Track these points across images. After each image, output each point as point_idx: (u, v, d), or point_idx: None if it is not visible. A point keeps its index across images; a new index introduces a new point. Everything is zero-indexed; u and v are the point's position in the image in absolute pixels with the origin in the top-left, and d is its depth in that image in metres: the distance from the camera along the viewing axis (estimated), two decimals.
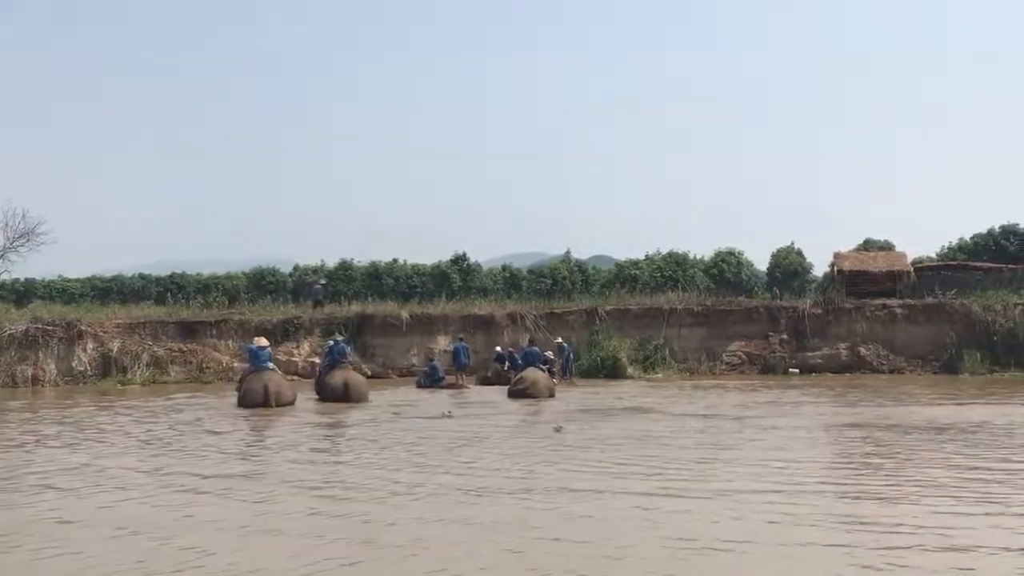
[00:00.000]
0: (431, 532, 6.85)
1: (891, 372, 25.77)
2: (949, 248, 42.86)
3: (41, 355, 24.60)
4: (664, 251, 47.62)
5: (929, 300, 27.53)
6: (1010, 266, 32.98)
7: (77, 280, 49.76)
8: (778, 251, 47.23)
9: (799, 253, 47.24)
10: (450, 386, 22.77)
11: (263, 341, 19.21)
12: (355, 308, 29.24)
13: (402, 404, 17.89)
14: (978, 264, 34.20)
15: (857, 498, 8.07)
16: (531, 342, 23.32)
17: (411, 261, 49.07)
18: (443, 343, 26.89)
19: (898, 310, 27.05)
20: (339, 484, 8.97)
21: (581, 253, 58.65)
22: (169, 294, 43.49)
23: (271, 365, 18.56)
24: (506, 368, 23.37)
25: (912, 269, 31.27)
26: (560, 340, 25.28)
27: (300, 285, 42.21)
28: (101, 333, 25.48)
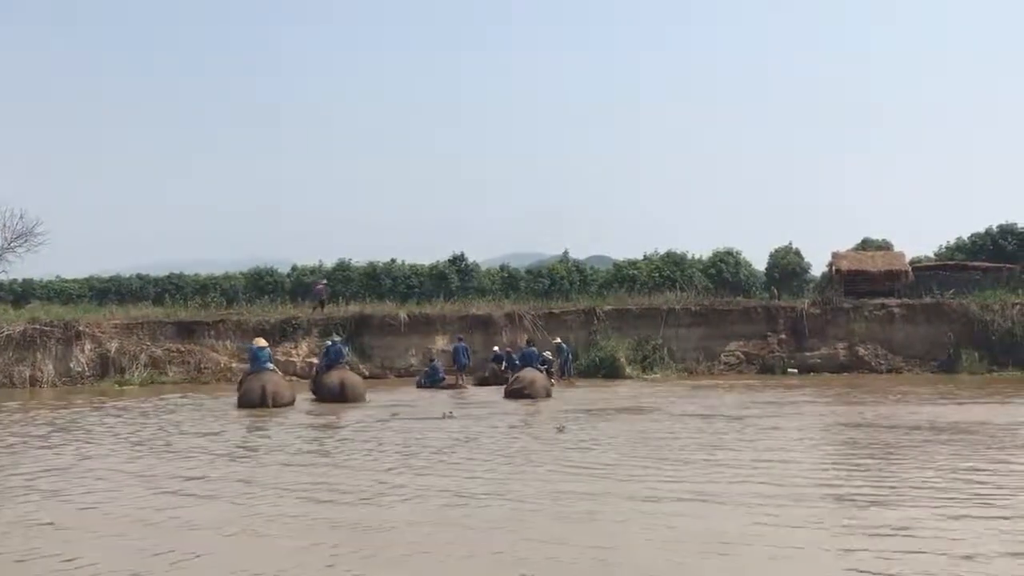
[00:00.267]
0: (431, 536, 6.83)
1: (889, 372, 25.78)
2: (947, 248, 42.90)
3: (39, 356, 24.57)
4: (662, 251, 47.65)
5: (927, 300, 27.56)
6: (1008, 266, 33.03)
7: (75, 281, 49.74)
8: (776, 251, 47.25)
9: (797, 253, 47.26)
10: (450, 386, 22.77)
11: (262, 342, 19.24)
12: (353, 308, 29.23)
13: (401, 404, 17.86)
14: (976, 264, 34.24)
15: (860, 500, 7.98)
16: (529, 342, 23.31)
17: (409, 261, 49.11)
18: (441, 343, 26.89)
19: (896, 310, 27.06)
20: (329, 486, 8.87)
21: (579, 253, 58.71)
22: (167, 294, 43.48)
23: (271, 366, 18.61)
24: (503, 368, 23.37)
25: (910, 269, 31.30)
26: (559, 340, 25.28)
27: (303, 287, 42.24)
28: (99, 334, 25.46)
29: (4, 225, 32.42)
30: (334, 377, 18.70)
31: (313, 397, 18.91)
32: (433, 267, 47.66)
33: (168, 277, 50.21)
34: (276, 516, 7.46)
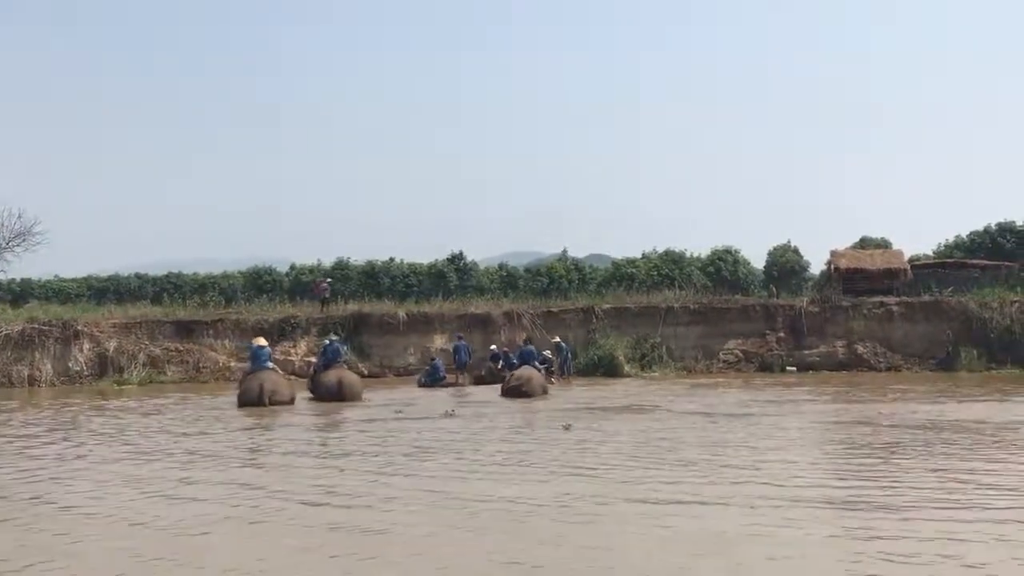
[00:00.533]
0: (431, 538, 6.82)
1: (888, 370, 25.77)
2: (946, 246, 42.92)
3: (37, 355, 24.54)
4: (661, 249, 47.68)
5: (926, 298, 27.56)
6: (1007, 264, 33.06)
7: (73, 280, 49.73)
8: (775, 249, 47.29)
9: (796, 251, 47.31)
10: (450, 385, 22.77)
11: (262, 341, 19.28)
12: (352, 307, 29.22)
13: (402, 403, 17.85)
14: (975, 262, 34.26)
15: (860, 501, 7.95)
16: (527, 340, 23.30)
17: (408, 260, 49.11)
18: (440, 342, 26.88)
19: (895, 308, 27.06)
20: (328, 487, 8.84)
21: (578, 252, 58.74)
22: (166, 294, 43.47)
23: (271, 365, 18.67)
24: (499, 367, 23.37)
25: (909, 267, 31.31)
26: (558, 339, 25.27)
27: (301, 286, 42.27)
28: (97, 333, 25.43)
29: (2, 224, 32.42)
30: (332, 376, 18.73)
31: (311, 396, 18.91)
32: (432, 266, 47.67)
33: (167, 276, 50.21)
34: (275, 519, 7.39)
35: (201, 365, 25.58)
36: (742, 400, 17.78)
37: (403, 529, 6.99)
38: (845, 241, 41.78)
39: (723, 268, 45.41)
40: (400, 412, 16.03)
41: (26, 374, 24.19)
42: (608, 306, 28.25)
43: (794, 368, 26.22)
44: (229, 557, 6.30)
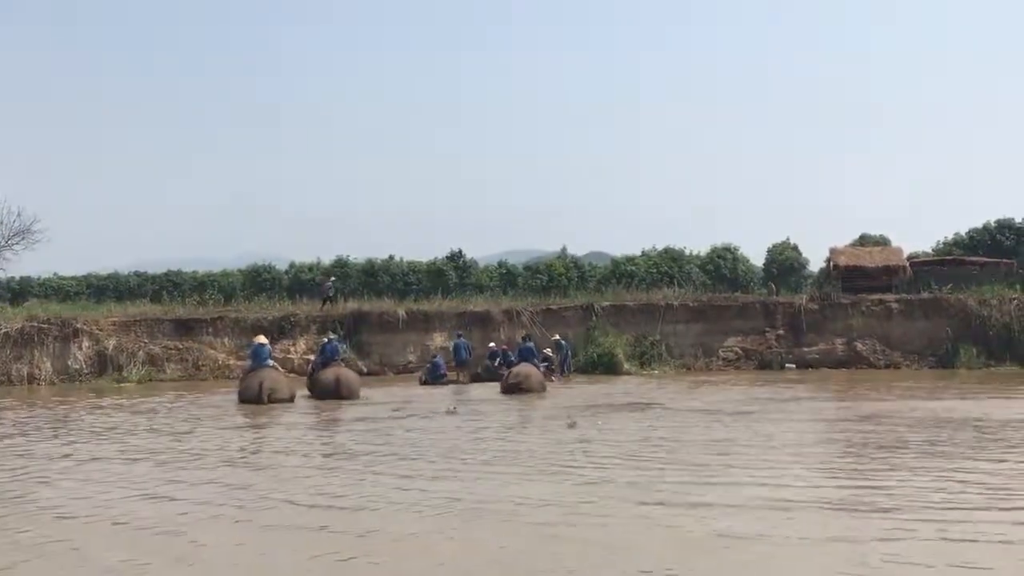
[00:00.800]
0: (430, 539, 6.82)
1: (887, 367, 25.79)
2: (945, 243, 43.00)
3: (37, 353, 24.52)
4: (660, 247, 47.70)
5: (925, 295, 27.56)
6: (1006, 261, 33.10)
7: (73, 278, 49.76)
8: (774, 246, 47.34)
9: (795, 249, 47.35)
10: (450, 382, 22.77)
11: (263, 339, 19.32)
12: (351, 305, 29.21)
13: (402, 401, 17.85)
14: (974, 259, 34.31)
15: (862, 501, 7.92)
16: (527, 338, 23.31)
17: (407, 258, 49.13)
18: (439, 340, 26.86)
19: (894, 305, 27.06)
20: (325, 488, 8.77)
21: (577, 250, 58.75)
22: (165, 292, 43.51)
23: (271, 362, 18.72)
24: (497, 364, 23.37)
25: (908, 264, 31.32)
26: (558, 337, 25.27)
27: (299, 284, 42.30)
28: (97, 331, 25.42)
29: (2, 222, 32.42)
30: (329, 374, 18.75)
31: (309, 394, 18.92)
32: (431, 264, 47.68)
33: (166, 274, 50.23)
34: (273, 522, 7.29)
35: (200, 363, 25.57)
36: (743, 397, 17.79)
37: (405, 531, 6.91)
38: (844, 239, 41.84)
39: (722, 266, 45.45)
40: (399, 410, 16.02)
41: (25, 372, 24.17)
42: (607, 304, 28.24)
43: (793, 365, 26.23)
44: (217, 558, 6.25)
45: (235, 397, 17.86)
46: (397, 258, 48.89)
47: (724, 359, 26.87)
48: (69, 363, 24.75)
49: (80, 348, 25.00)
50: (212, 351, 25.93)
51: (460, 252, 48.18)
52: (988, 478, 8.80)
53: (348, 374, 19.28)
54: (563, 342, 25.05)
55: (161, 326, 26.23)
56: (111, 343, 25.15)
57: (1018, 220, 41.96)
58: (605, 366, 25.46)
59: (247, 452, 11.51)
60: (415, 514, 7.41)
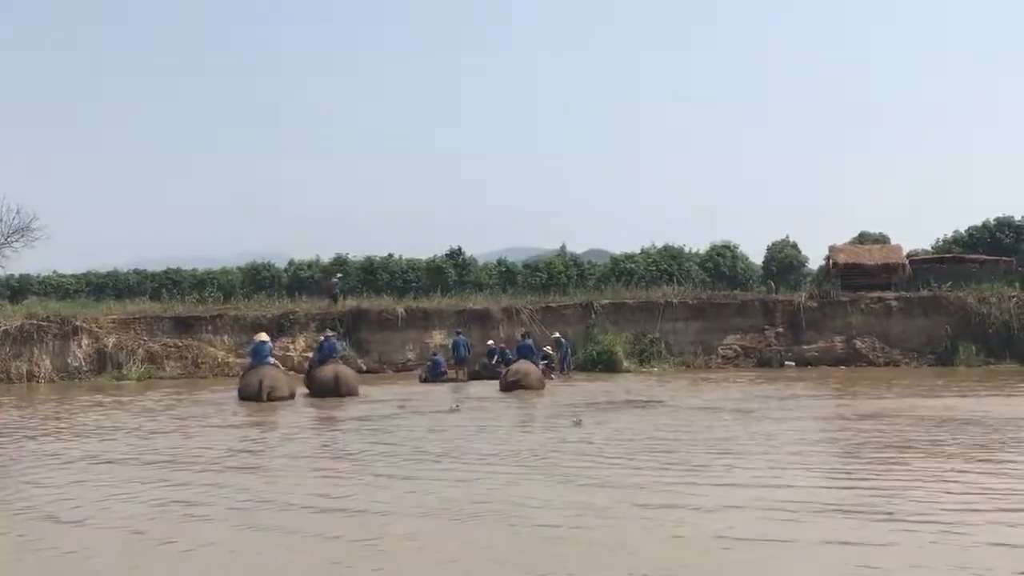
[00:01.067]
0: (431, 541, 6.80)
1: (886, 365, 25.79)
2: (944, 241, 43.01)
3: (36, 351, 24.50)
4: (660, 245, 47.70)
5: (924, 293, 27.57)
6: (1005, 259, 33.11)
7: (72, 276, 49.74)
8: (773, 244, 47.35)
9: (794, 246, 47.36)
10: (450, 380, 22.77)
11: (264, 336, 19.35)
12: (351, 303, 29.21)
13: (402, 399, 17.83)
14: (973, 256, 34.33)
15: (864, 501, 7.91)
16: (526, 335, 23.30)
17: (406, 256, 49.09)
18: (439, 338, 26.86)
19: (893, 303, 27.07)
20: (326, 491, 8.74)
21: (576, 247, 58.74)
22: (164, 289, 43.47)
23: (271, 360, 18.70)
24: (495, 362, 23.38)
25: (907, 262, 31.33)
26: (557, 335, 25.28)
27: (299, 281, 42.33)
28: (96, 329, 25.41)
29: (1, 220, 32.32)
30: (328, 371, 18.74)
31: (307, 392, 18.90)
32: (430, 262, 47.65)
33: (165, 272, 50.20)
34: (271, 522, 7.24)
35: (200, 361, 25.57)
36: (743, 395, 17.78)
37: (406, 534, 6.88)
38: (843, 236, 41.85)
39: (722, 264, 45.44)
40: (402, 407, 16.00)
41: (25, 370, 24.16)
42: (607, 301, 28.25)
43: (792, 363, 26.24)
44: (213, 559, 6.23)
45: (235, 394, 17.89)
46: (396, 256, 48.87)
47: (723, 357, 26.87)
48: (68, 361, 24.74)
49: (79, 346, 24.99)
50: (211, 349, 25.93)
51: (459, 250, 48.16)
52: (990, 478, 8.77)
53: (346, 371, 19.27)
54: (563, 340, 25.05)
55: (160, 324, 26.21)
56: (110, 341, 25.14)
57: (1017, 218, 41.98)
58: (604, 364, 25.47)
59: (246, 451, 11.43)
60: (415, 514, 7.39)
